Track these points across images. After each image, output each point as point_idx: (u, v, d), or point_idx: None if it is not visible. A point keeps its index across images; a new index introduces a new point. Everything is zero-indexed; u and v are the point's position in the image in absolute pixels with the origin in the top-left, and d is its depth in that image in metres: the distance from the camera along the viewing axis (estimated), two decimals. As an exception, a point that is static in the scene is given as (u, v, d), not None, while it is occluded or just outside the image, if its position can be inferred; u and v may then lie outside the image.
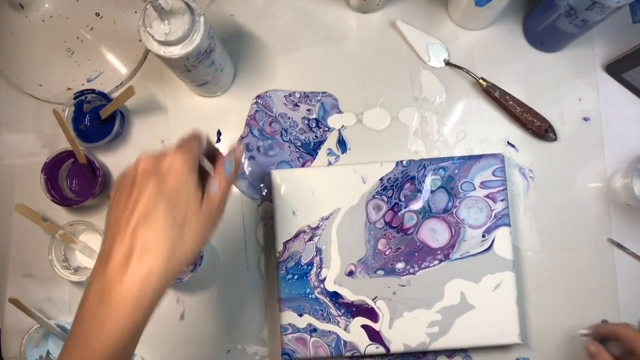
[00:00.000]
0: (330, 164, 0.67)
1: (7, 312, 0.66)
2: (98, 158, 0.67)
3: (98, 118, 0.66)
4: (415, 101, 0.67)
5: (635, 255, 0.65)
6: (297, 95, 0.68)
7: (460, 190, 0.63)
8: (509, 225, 0.62)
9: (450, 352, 0.64)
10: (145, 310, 0.40)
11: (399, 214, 0.63)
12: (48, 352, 0.65)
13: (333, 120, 0.68)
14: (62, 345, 0.64)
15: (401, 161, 0.63)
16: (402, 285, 0.62)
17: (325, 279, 0.63)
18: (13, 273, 0.67)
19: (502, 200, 0.62)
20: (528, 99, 0.66)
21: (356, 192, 0.63)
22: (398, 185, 0.63)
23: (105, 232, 0.43)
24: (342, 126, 0.67)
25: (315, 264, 0.63)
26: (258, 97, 0.68)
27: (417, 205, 0.63)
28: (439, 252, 0.62)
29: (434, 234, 0.63)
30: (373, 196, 0.63)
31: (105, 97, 0.65)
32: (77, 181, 0.68)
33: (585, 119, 0.67)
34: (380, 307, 0.62)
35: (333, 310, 0.62)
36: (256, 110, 0.68)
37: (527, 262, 0.65)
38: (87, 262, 0.67)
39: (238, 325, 0.66)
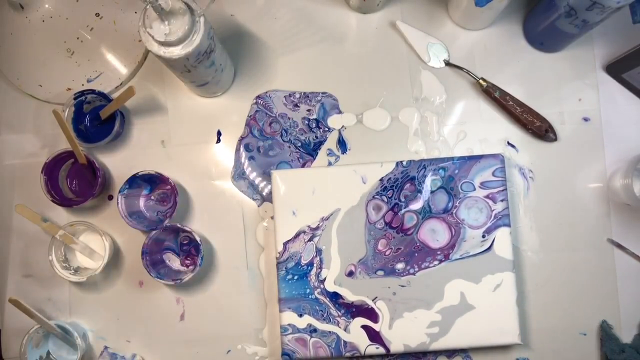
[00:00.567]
0: (330, 164, 0.67)
1: (7, 312, 0.66)
2: (98, 158, 0.67)
3: (98, 118, 0.66)
4: (415, 101, 0.67)
5: (635, 256, 0.65)
6: (297, 95, 0.68)
7: (460, 190, 0.63)
8: (509, 225, 0.62)
9: (450, 352, 0.64)
10: None
11: (399, 214, 0.63)
12: (48, 353, 0.65)
13: (333, 121, 0.68)
14: (62, 346, 0.64)
15: (401, 161, 0.63)
16: (402, 286, 0.62)
17: (325, 279, 0.63)
18: (13, 273, 0.67)
19: (502, 201, 0.62)
20: (528, 99, 0.66)
21: (356, 192, 0.63)
22: (398, 186, 0.63)
23: None
24: (342, 126, 0.67)
25: (315, 265, 0.63)
26: (258, 97, 0.68)
27: (417, 205, 0.63)
28: (439, 252, 0.62)
29: (434, 234, 0.63)
30: (373, 196, 0.63)
31: (105, 97, 0.65)
32: (77, 181, 0.68)
33: (585, 119, 0.67)
34: (380, 307, 0.62)
35: (333, 311, 0.62)
36: (256, 111, 0.68)
37: (527, 262, 0.65)
38: (87, 262, 0.67)
39: (238, 325, 0.66)
